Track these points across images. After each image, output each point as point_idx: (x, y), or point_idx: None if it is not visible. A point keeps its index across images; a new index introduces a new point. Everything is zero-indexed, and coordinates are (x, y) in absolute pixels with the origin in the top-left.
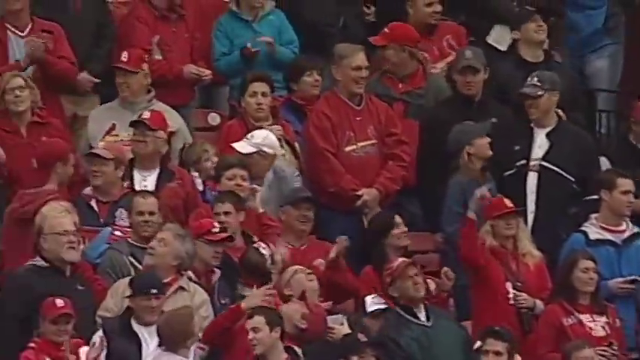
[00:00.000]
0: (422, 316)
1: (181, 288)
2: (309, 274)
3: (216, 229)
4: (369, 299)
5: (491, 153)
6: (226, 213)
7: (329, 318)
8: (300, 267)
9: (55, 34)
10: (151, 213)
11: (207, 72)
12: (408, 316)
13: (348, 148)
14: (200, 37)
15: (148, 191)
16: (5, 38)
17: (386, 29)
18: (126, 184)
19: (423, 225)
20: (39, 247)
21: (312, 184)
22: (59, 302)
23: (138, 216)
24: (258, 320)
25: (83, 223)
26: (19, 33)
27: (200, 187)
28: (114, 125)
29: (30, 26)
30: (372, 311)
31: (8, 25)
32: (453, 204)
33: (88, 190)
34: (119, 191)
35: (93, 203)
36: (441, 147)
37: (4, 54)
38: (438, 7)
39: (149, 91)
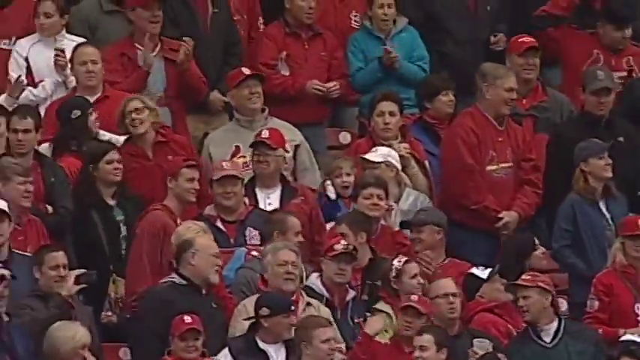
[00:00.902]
0: (546, 335)
1: (308, 304)
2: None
3: (339, 246)
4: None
5: (608, 174)
6: (343, 235)
7: (475, 342)
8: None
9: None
10: (298, 233)
11: (330, 85)
12: (533, 335)
13: (489, 168)
14: (340, 57)
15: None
16: (135, 57)
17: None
18: (247, 201)
19: (548, 242)
20: (178, 265)
21: (449, 199)
22: (187, 318)
23: (295, 237)
24: (428, 339)
25: None
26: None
27: (332, 196)
28: (238, 148)
29: (159, 47)
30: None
31: (137, 45)
32: (562, 221)
33: (210, 210)
34: (244, 210)
35: (219, 224)
36: (566, 165)
37: (132, 71)
38: None
39: (263, 110)
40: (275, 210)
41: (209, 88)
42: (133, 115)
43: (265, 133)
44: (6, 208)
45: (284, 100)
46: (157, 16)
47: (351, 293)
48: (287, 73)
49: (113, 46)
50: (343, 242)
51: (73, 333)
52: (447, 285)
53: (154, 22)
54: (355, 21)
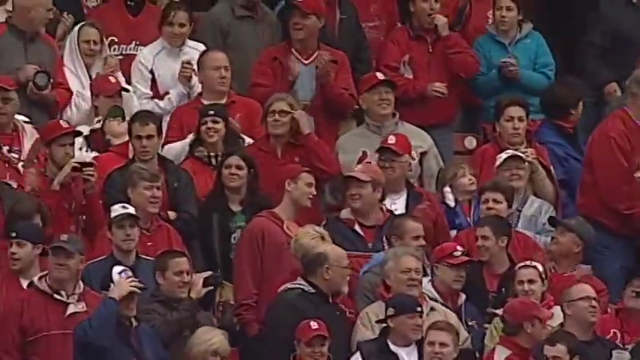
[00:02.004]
0: None
1: (432, 309)
2: None
3: (458, 253)
4: None
5: None
6: (484, 237)
7: (614, 353)
8: None
9: (339, 63)
10: (417, 238)
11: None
12: None
13: (637, 174)
14: None
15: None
16: (287, 63)
17: None
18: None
19: None
20: (308, 274)
21: (597, 203)
22: (314, 324)
23: (413, 240)
24: (560, 349)
25: (349, 248)
26: (303, 60)
27: (451, 203)
28: (365, 153)
29: (316, 54)
30: None
31: (293, 51)
32: None
33: (346, 214)
34: (382, 215)
35: (357, 228)
36: None
37: (285, 78)
38: None
39: (394, 115)
40: (396, 215)
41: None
42: (277, 117)
43: (391, 139)
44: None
45: (413, 102)
46: (298, 24)
47: (463, 297)
48: (410, 77)
49: (269, 50)
50: (460, 249)
51: (210, 336)
52: (588, 288)
53: (298, 29)
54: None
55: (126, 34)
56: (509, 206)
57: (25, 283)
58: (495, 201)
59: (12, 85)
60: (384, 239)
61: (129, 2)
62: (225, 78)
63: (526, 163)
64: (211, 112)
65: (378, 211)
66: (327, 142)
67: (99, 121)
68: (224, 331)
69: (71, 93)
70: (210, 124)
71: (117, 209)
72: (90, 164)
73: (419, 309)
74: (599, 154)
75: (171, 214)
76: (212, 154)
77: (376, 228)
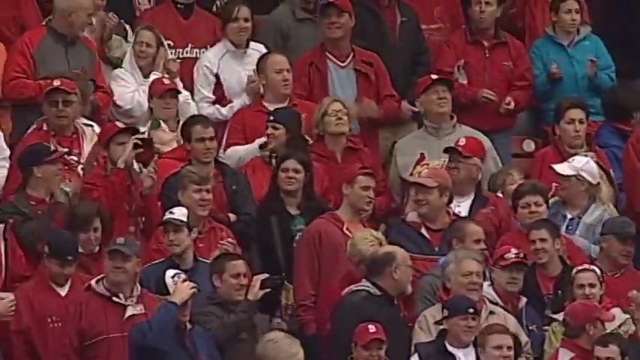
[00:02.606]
0: None
1: (491, 312)
2: None
3: (510, 255)
4: None
5: None
6: (542, 240)
7: None
8: None
9: (375, 66)
10: (478, 241)
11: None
12: None
13: None
14: (524, 65)
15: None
16: (325, 68)
17: None
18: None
19: None
20: (373, 276)
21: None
22: (371, 327)
23: (474, 244)
24: (613, 350)
25: (415, 251)
26: (340, 63)
27: None
28: (423, 155)
29: (351, 57)
30: None
31: (329, 55)
32: None
33: (413, 217)
34: (449, 219)
35: (423, 231)
36: None
37: (323, 84)
38: None
39: (452, 117)
40: (457, 218)
41: (398, 103)
42: (339, 115)
43: (462, 141)
44: (184, 218)
45: (470, 108)
46: (335, 23)
47: (523, 300)
48: (465, 82)
49: (304, 56)
50: (514, 251)
51: (296, 350)
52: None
53: (336, 28)
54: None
55: (180, 37)
56: (548, 208)
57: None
58: (537, 204)
59: (73, 89)
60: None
61: (179, 5)
62: (288, 80)
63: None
64: (271, 118)
65: (444, 215)
66: (371, 146)
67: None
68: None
69: (110, 95)
70: (269, 130)
71: (166, 214)
72: (150, 140)
73: (471, 311)
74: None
75: (232, 217)
76: (273, 154)
77: (443, 232)
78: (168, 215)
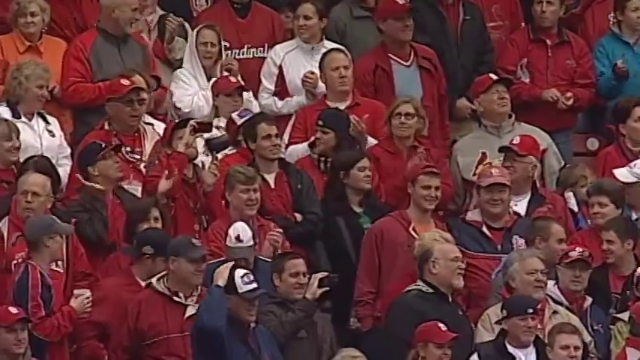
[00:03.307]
0: None
1: (555, 312)
2: None
3: (575, 253)
4: None
5: None
6: (609, 241)
7: None
8: None
9: (433, 62)
10: (561, 241)
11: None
12: None
13: None
14: (587, 64)
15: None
16: (390, 69)
17: None
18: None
19: None
20: (422, 274)
21: None
22: (443, 326)
23: (557, 244)
24: None
25: (477, 249)
26: (403, 63)
27: (575, 208)
28: (484, 155)
29: (413, 55)
30: None
31: (392, 55)
32: None
33: (473, 216)
34: (509, 217)
35: (485, 230)
36: None
37: (389, 84)
38: None
39: (510, 116)
40: (539, 217)
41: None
42: (402, 119)
43: (516, 139)
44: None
45: (531, 106)
46: (409, 25)
47: (589, 300)
48: (527, 80)
49: (365, 59)
50: (579, 249)
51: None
52: None
53: (409, 31)
54: (613, 22)
55: (237, 37)
56: (618, 207)
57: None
58: (600, 204)
59: (146, 87)
60: (523, 241)
61: (235, 5)
62: (346, 77)
63: None
64: (320, 123)
65: (505, 214)
66: (441, 145)
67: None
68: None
69: (166, 91)
70: (318, 134)
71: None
72: (209, 124)
73: (530, 310)
74: None
75: (298, 217)
76: (322, 158)
77: (504, 230)
78: (236, 243)
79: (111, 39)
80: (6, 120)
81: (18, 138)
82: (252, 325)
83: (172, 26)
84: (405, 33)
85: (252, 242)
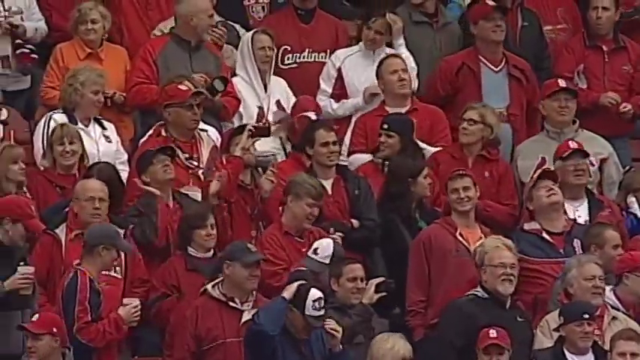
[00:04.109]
0: None
1: (614, 318)
2: None
3: None
4: None
5: None
6: None
7: None
8: None
9: (525, 74)
10: (617, 247)
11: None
12: None
13: None
14: None
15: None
16: (478, 70)
17: None
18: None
19: None
20: (481, 279)
21: None
22: (492, 332)
23: (613, 250)
24: None
25: (541, 255)
26: (493, 67)
27: (638, 213)
28: (544, 159)
29: (504, 62)
30: None
31: (482, 58)
32: None
33: (530, 225)
34: (565, 221)
35: (545, 235)
36: None
37: (475, 86)
38: None
39: (574, 122)
40: (595, 223)
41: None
42: (465, 125)
43: (572, 144)
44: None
45: (590, 112)
46: (500, 26)
47: None
48: (584, 86)
49: (450, 59)
50: None
51: (391, 344)
52: None
53: (501, 31)
54: None
55: (299, 42)
56: None
57: None
58: None
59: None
60: (580, 247)
61: (299, 11)
62: (405, 80)
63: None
64: (385, 126)
65: (561, 218)
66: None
67: None
68: (400, 334)
69: (239, 102)
70: (383, 138)
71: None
72: (266, 128)
73: (586, 316)
74: None
75: (355, 223)
76: (386, 162)
77: (564, 234)
78: (312, 254)
79: (183, 45)
80: (63, 124)
81: (72, 143)
82: None
83: (217, 35)
84: (496, 33)
85: (327, 261)
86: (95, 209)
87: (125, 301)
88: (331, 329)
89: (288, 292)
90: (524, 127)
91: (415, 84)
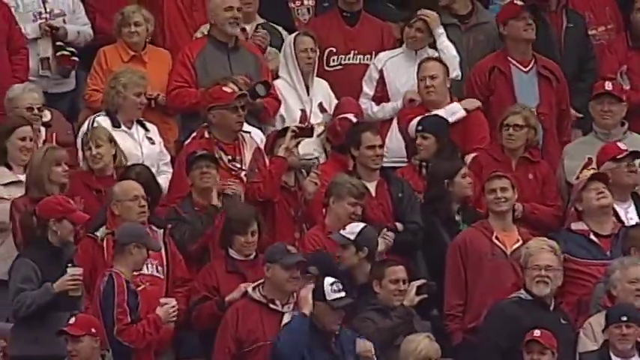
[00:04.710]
0: None
1: None
2: None
3: None
4: None
5: None
6: None
7: None
8: None
9: (557, 75)
10: None
11: None
12: None
13: None
14: None
15: None
16: (509, 72)
17: None
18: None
19: None
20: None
21: None
22: (536, 332)
23: None
24: None
25: (587, 257)
26: (522, 68)
27: None
28: (590, 160)
29: (533, 62)
30: None
31: (511, 59)
32: None
33: (578, 225)
34: (613, 224)
35: (592, 237)
36: None
37: (508, 87)
38: None
39: (623, 124)
40: (632, 225)
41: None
42: (510, 131)
43: (622, 146)
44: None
45: (633, 114)
46: (531, 24)
47: None
48: (627, 87)
49: (485, 59)
50: None
51: (415, 345)
52: None
53: (532, 30)
54: None
55: (344, 44)
56: None
57: None
58: None
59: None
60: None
61: (345, 13)
62: (431, 87)
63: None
64: (420, 128)
65: (610, 220)
66: (556, 151)
67: None
68: (428, 334)
69: (280, 103)
70: (419, 140)
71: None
72: (309, 129)
73: (624, 319)
74: None
75: (399, 226)
76: (424, 164)
77: (612, 236)
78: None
79: (220, 46)
80: (94, 127)
81: (99, 146)
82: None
83: (259, 37)
84: (527, 32)
85: (352, 237)
86: (141, 207)
87: (162, 300)
88: (365, 352)
89: (307, 307)
90: (553, 126)
91: (458, 73)
